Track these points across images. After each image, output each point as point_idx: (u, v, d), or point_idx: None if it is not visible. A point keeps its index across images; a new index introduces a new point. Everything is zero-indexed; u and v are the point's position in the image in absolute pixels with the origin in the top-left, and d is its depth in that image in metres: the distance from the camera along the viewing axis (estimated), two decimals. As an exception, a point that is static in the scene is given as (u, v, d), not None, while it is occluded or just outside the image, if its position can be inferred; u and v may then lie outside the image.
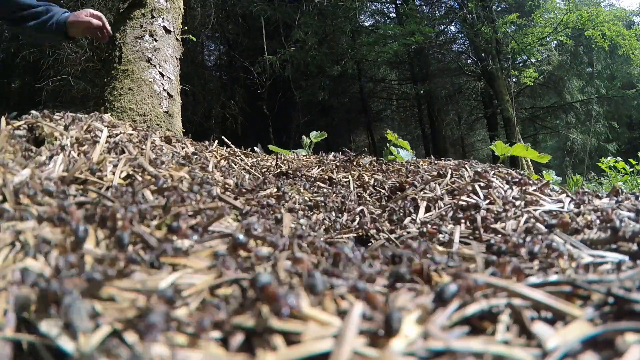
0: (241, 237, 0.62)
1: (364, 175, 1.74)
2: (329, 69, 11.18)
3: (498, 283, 0.52)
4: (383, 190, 1.56)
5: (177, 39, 2.78)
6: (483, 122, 14.80)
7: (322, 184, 1.61)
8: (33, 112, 1.36)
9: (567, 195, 1.21)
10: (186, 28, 3.02)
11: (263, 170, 1.78)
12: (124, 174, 1.03)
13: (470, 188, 1.35)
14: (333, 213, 1.28)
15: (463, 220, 1.10)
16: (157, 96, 2.44)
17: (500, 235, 0.95)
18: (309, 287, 0.49)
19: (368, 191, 1.57)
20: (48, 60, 7.18)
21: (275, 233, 0.82)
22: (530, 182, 1.43)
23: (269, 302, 0.44)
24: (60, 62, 7.19)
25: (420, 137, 15.16)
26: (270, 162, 1.95)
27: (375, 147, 12.82)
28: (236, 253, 0.65)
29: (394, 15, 14.01)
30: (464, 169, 1.65)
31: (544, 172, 3.66)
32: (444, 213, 1.21)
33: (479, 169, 1.61)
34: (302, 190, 1.46)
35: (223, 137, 2.15)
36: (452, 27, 13.75)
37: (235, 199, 1.12)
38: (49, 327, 0.43)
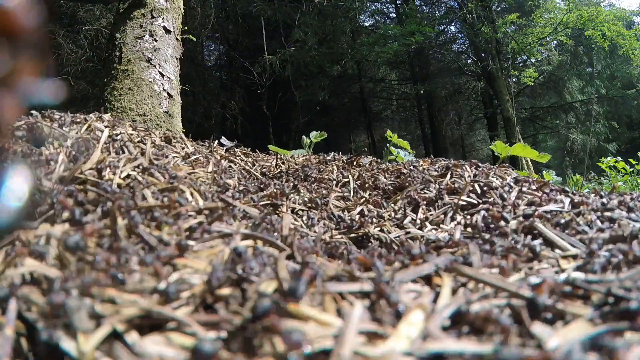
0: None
1: (364, 175, 1.73)
2: (329, 69, 11.17)
3: (498, 283, 0.52)
4: (383, 190, 1.56)
5: (177, 39, 2.78)
6: (483, 122, 14.79)
7: (322, 184, 1.61)
8: (33, 112, 1.36)
9: (567, 195, 1.21)
10: (186, 28, 3.02)
11: (263, 170, 1.78)
12: (124, 174, 1.02)
13: (470, 188, 1.35)
14: (333, 213, 1.28)
15: (463, 220, 1.10)
16: (157, 96, 2.44)
17: (499, 235, 0.95)
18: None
19: (368, 191, 1.57)
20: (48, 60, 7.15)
21: (275, 233, 0.82)
22: (530, 181, 1.43)
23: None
24: (60, 62, 7.18)
25: (420, 137, 15.15)
26: (270, 162, 1.95)
27: (375, 147, 12.81)
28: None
29: (394, 15, 14.00)
30: (464, 169, 1.65)
31: (544, 172, 3.66)
32: (444, 213, 1.21)
33: (477, 172, 1.61)
34: (302, 191, 1.46)
35: (223, 137, 2.15)
36: (452, 27, 13.74)
37: (235, 199, 1.12)
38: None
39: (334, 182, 1.64)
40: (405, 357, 0.39)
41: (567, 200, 1.13)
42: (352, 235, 1.11)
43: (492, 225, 1.02)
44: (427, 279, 0.60)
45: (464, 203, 1.25)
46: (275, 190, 1.31)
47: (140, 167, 1.08)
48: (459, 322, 0.46)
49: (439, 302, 0.50)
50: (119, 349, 0.41)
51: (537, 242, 0.86)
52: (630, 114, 15.85)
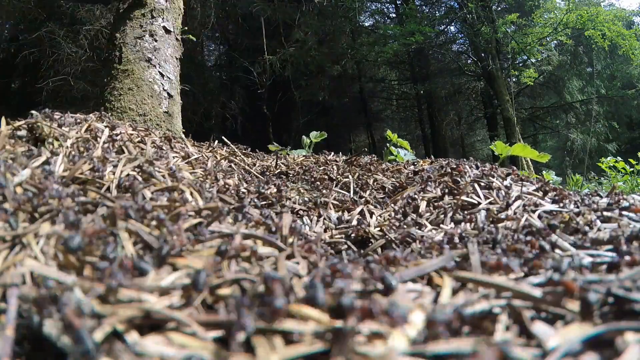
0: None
1: (364, 175, 1.73)
2: (329, 69, 11.17)
3: (499, 282, 0.52)
4: (383, 190, 1.56)
5: (177, 39, 2.78)
6: (483, 122, 14.79)
7: (322, 184, 1.61)
8: (33, 112, 1.35)
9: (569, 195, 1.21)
10: (186, 28, 3.02)
11: (263, 170, 1.78)
12: (124, 174, 1.02)
13: (470, 188, 1.35)
14: (333, 213, 1.28)
15: (463, 220, 1.10)
16: (157, 96, 2.44)
17: (500, 235, 0.95)
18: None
19: (368, 191, 1.57)
20: (48, 60, 7.16)
21: (275, 233, 0.82)
22: (530, 181, 1.43)
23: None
24: (60, 62, 7.17)
25: (420, 137, 15.15)
26: (270, 162, 1.95)
27: (375, 147, 12.81)
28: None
29: (394, 15, 14.00)
30: (464, 169, 1.65)
31: (543, 172, 3.66)
32: (444, 213, 1.21)
33: (479, 172, 1.61)
34: (302, 191, 1.46)
35: (223, 137, 2.15)
36: (452, 27, 13.73)
37: (235, 199, 1.12)
38: (50, 327, 0.43)
39: (334, 182, 1.64)
40: (405, 357, 0.39)
41: (567, 200, 1.13)
42: (352, 235, 1.11)
43: (492, 225, 1.02)
44: (428, 280, 0.60)
45: (464, 203, 1.25)
46: (275, 191, 1.31)
47: (140, 167, 1.08)
48: (459, 321, 0.46)
49: (439, 302, 0.50)
50: (119, 349, 0.41)
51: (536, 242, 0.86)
52: (630, 114, 15.84)
